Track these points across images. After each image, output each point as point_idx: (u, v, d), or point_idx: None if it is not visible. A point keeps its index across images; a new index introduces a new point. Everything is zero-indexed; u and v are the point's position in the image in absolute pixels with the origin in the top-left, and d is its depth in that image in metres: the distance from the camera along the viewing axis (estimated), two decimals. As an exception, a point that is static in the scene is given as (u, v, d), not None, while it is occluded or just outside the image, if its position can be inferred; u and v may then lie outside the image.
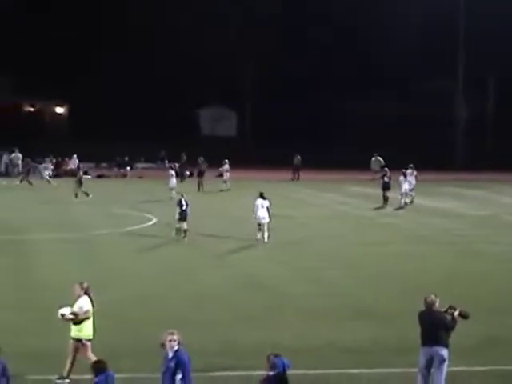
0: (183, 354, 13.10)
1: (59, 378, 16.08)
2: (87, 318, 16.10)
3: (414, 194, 47.18)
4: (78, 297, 16.21)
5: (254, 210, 32.87)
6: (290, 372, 13.29)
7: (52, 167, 59.95)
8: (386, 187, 46.09)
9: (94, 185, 56.82)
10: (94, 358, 15.72)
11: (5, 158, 63.94)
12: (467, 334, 17.80)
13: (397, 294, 24.03)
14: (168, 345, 13.11)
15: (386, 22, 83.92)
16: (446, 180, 63.59)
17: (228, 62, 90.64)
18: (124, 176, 63.84)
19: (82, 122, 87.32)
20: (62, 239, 33.06)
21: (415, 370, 15.46)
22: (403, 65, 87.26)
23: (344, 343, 18.79)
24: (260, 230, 32.57)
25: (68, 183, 50.41)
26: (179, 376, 12.95)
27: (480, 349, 18.49)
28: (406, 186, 45.96)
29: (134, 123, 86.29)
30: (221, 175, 54.91)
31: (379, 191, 47.00)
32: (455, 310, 15.24)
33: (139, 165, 69.03)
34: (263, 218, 32.47)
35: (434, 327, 15.01)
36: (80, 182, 47.60)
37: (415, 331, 15.54)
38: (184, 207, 32.65)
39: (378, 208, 45.20)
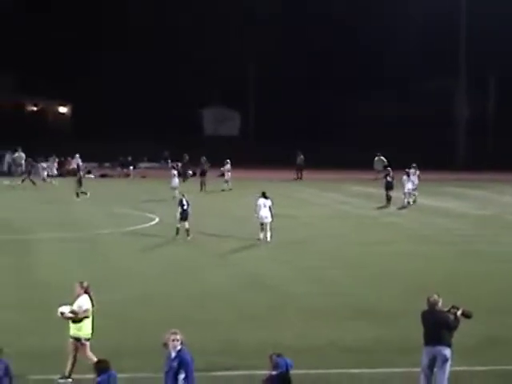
0: (186, 354, 13.09)
1: (61, 378, 16.09)
2: (86, 317, 16.10)
3: (416, 193, 47.16)
4: (78, 296, 16.22)
5: (256, 209, 32.86)
6: (291, 371, 13.28)
7: (56, 166, 59.90)
8: (388, 187, 46.09)
9: (97, 184, 56.89)
10: (92, 358, 15.76)
11: (7, 157, 63.98)
12: (468, 334, 17.78)
13: (399, 293, 24.01)
14: (171, 344, 13.10)
15: (387, 22, 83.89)
16: (447, 180, 63.55)
17: (231, 63, 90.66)
18: (127, 176, 63.86)
19: (85, 121, 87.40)
20: (64, 238, 33.07)
21: (418, 369, 15.45)
22: (404, 65, 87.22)
23: (346, 343, 18.78)
24: (262, 229, 32.56)
25: (70, 183, 50.39)
26: (182, 376, 12.94)
27: (481, 349, 18.47)
28: (409, 186, 45.94)
29: (137, 123, 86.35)
30: (222, 175, 54.96)
31: (382, 191, 47.02)
32: (458, 309, 15.22)
33: (142, 164, 69.08)
34: (265, 217, 32.46)
35: (437, 327, 14.99)
36: (80, 182, 47.60)
37: (418, 331, 15.53)
38: (185, 207, 32.67)
39: (380, 207, 45.20)
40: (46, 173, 57.44)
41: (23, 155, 61.85)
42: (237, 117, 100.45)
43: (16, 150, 62.78)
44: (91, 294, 16.29)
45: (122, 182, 60.04)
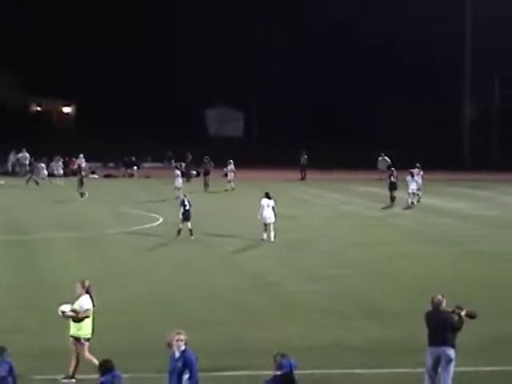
0: (190, 354, 13.10)
1: (65, 378, 16.10)
2: (87, 317, 16.10)
3: (420, 193, 47.13)
4: (79, 295, 16.21)
5: (259, 209, 32.90)
6: (296, 371, 13.28)
7: (62, 166, 59.82)
8: (392, 187, 46.07)
9: (101, 184, 56.96)
10: (92, 359, 15.78)
11: (11, 157, 64.01)
12: (474, 334, 17.78)
13: (403, 293, 24.00)
14: (175, 344, 13.11)
15: (394, 21, 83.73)
16: (452, 180, 63.48)
17: (234, 63, 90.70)
18: (131, 176, 63.89)
19: (89, 121, 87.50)
20: (68, 238, 33.10)
21: (422, 370, 15.45)
22: (410, 64, 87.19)
23: (350, 343, 18.77)
24: (266, 229, 32.60)
25: (75, 183, 50.29)
26: (186, 376, 12.95)
27: (485, 349, 18.44)
28: (413, 186, 45.91)
29: (141, 123, 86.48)
30: (226, 175, 54.98)
31: (386, 191, 47.00)
32: (462, 309, 15.20)
33: (146, 164, 69.08)
34: (269, 217, 32.52)
35: (441, 327, 14.97)
36: (81, 182, 47.59)
37: (422, 331, 15.52)
38: (187, 207, 32.70)
39: (384, 208, 45.17)
40: (46, 172, 57.34)
41: (27, 155, 61.91)
42: (240, 117, 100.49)
43: (20, 151, 62.87)
44: (92, 293, 16.28)
45: (126, 182, 60.07)
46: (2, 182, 56.31)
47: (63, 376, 16.09)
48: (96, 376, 13.20)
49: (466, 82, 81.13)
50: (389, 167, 55.75)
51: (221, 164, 56.04)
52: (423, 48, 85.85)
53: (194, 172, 61.94)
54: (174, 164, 61.03)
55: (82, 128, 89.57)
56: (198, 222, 34.46)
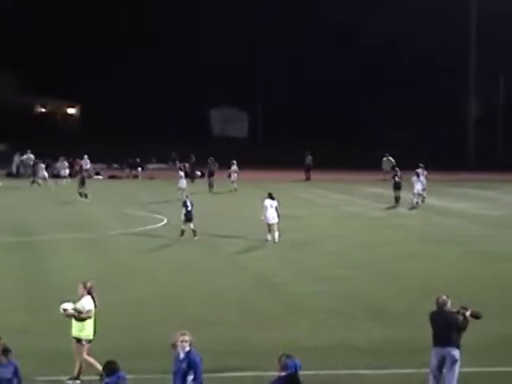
0: (195, 355, 13.09)
1: (70, 379, 16.11)
2: (89, 318, 16.09)
3: (425, 194, 47.10)
4: (81, 296, 16.19)
5: (263, 210, 32.93)
6: (300, 372, 13.27)
7: (67, 167, 59.76)
8: (397, 187, 46.07)
9: (105, 185, 57.03)
10: (90, 360, 15.78)
11: (16, 158, 64.04)
12: (479, 335, 17.75)
13: (407, 294, 23.98)
14: (179, 345, 13.10)
15: (394, 21, 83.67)
16: (457, 180, 63.43)
17: (239, 63, 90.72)
18: (135, 177, 63.93)
19: (94, 122, 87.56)
20: (73, 239, 33.13)
21: (427, 370, 15.43)
22: (410, 64, 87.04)
23: (355, 343, 18.76)
24: (269, 230, 32.62)
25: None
26: (191, 377, 12.94)
27: (490, 349, 18.41)
28: (418, 187, 45.88)
29: (145, 124, 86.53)
30: (229, 176, 55.03)
31: (390, 191, 47.00)
32: (467, 310, 15.18)
33: (150, 166, 69.15)
34: (272, 218, 32.56)
35: (446, 328, 14.95)
36: (82, 183, 47.57)
37: (426, 331, 15.50)
38: (189, 208, 32.74)
39: (389, 208, 45.15)
40: (45, 173, 57.30)
41: (32, 157, 61.96)
42: (244, 117, 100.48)
43: (25, 152, 62.92)
44: (94, 294, 16.26)
45: (131, 184, 60.11)
46: (0, 183, 56.15)
47: (68, 377, 16.10)
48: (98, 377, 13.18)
49: (471, 80, 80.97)
50: (393, 167, 55.75)
51: (225, 165, 56.07)
52: (423, 48, 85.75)
53: (199, 173, 61.98)
54: (178, 165, 61.06)
55: (87, 129, 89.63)
56: (202, 222, 34.47)
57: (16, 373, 13.02)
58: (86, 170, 60.32)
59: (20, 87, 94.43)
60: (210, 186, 53.79)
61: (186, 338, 13.11)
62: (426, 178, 48.18)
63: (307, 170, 63.22)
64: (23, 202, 46.38)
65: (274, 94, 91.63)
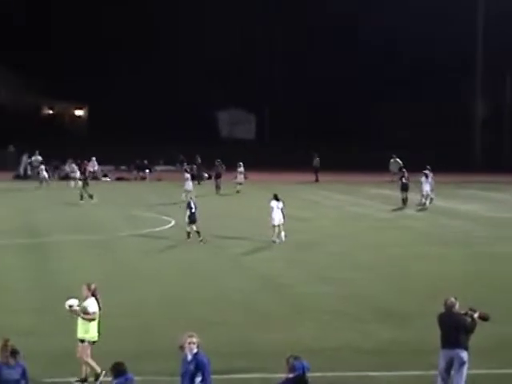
0: (203, 357, 13.09)
1: (78, 381, 16.13)
2: (93, 320, 16.11)
3: (433, 195, 47.05)
4: (86, 298, 16.20)
5: (269, 211, 33.02)
6: (308, 374, 13.27)
7: (77, 169, 59.71)
8: (404, 189, 46.04)
9: (113, 187, 57.10)
10: (89, 362, 15.80)
11: (24, 159, 64.11)
12: (487, 337, 17.71)
13: (415, 295, 23.95)
14: (187, 347, 13.11)
15: (394, 21, 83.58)
16: (464, 181, 63.31)
17: (235, 63, 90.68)
18: (143, 179, 63.99)
19: (101, 124, 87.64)
20: (81, 241, 33.19)
21: (435, 372, 15.41)
22: (410, 64, 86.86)
23: (362, 345, 18.74)
24: (275, 231, 32.68)
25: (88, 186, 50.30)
26: (199, 379, 12.95)
27: (499, 351, 18.36)
28: (427, 188, 45.87)
29: (153, 126, 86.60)
30: (235, 177, 55.04)
31: (398, 193, 46.97)
32: (475, 312, 15.15)
33: (158, 167, 69.21)
34: (278, 219, 32.67)
35: (454, 329, 14.92)
36: (86, 184, 47.61)
37: (434, 333, 15.49)
38: (193, 210, 32.81)
39: (396, 209, 45.12)
40: (45, 174, 57.26)
41: (40, 158, 62.06)
42: (252, 119, 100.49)
43: (33, 154, 63.03)
44: (98, 296, 16.25)
45: (139, 185, 60.17)
46: None
47: (76, 379, 16.13)
48: (109, 379, 13.20)
49: (478, 80, 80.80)
50: (400, 169, 55.71)
51: (233, 167, 56.10)
52: (423, 48, 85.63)
53: (206, 174, 62.00)
54: (185, 166, 61.09)
55: (94, 131, 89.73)
56: (208, 224, 34.52)
57: (24, 374, 13.04)
58: (91, 172, 60.41)
59: (28, 89, 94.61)
60: (217, 187, 53.81)
61: (194, 339, 13.12)
62: (433, 179, 48.13)
63: (315, 171, 63.20)
64: (31, 204, 46.43)
65: (279, 95, 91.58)
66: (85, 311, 15.99)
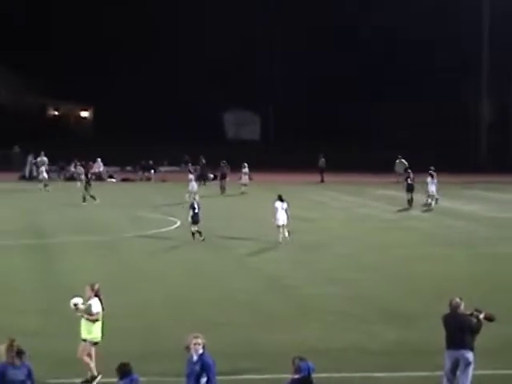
0: (208, 358, 13.11)
1: (83, 382, 16.14)
2: (97, 320, 16.11)
3: (438, 196, 47.01)
4: (89, 298, 16.21)
5: (274, 212, 33.08)
6: (313, 375, 13.28)
7: (83, 170, 59.68)
8: (409, 189, 46.02)
9: (118, 188, 57.14)
10: (88, 362, 15.81)
11: (29, 159, 64.11)
12: (492, 337, 17.69)
13: (420, 296, 23.93)
14: (193, 348, 13.13)
15: (394, 21, 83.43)
16: (469, 182, 63.23)
17: (235, 63, 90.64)
18: (148, 179, 64.03)
19: (107, 125, 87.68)
20: (86, 242, 33.23)
21: (440, 373, 15.40)
22: (410, 64, 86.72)
23: (368, 346, 18.73)
24: (280, 232, 32.72)
25: (93, 187, 50.34)
26: (204, 379, 12.97)
27: (504, 352, 18.33)
28: (432, 188, 45.84)
29: (158, 127, 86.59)
30: (240, 178, 55.06)
31: (403, 194, 46.95)
32: (480, 312, 15.14)
33: (163, 168, 69.23)
34: (282, 220, 32.75)
35: (459, 330, 14.91)
36: (89, 185, 47.61)
37: (439, 333, 15.47)
38: (196, 210, 32.93)
39: (401, 210, 45.09)
40: (45, 175, 57.20)
41: (45, 159, 62.08)
42: (257, 120, 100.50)
43: (39, 155, 63.05)
44: (101, 297, 16.26)
45: (144, 186, 60.20)
46: None
47: (82, 380, 16.14)
48: (115, 380, 13.20)
49: (484, 81, 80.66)
50: (406, 170, 55.68)
51: (239, 168, 56.09)
52: (424, 48, 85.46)
53: (211, 175, 62.01)
54: (190, 167, 61.11)
55: (100, 132, 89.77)
56: (213, 225, 34.56)
57: (30, 375, 13.05)
58: (96, 173, 60.39)
59: (28, 89, 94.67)
60: (222, 188, 53.82)
61: (199, 340, 13.14)
62: (436, 179, 48.08)
63: (321, 172, 63.18)
64: (37, 205, 46.47)
65: (280, 95, 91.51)
66: (89, 312, 16.00)
